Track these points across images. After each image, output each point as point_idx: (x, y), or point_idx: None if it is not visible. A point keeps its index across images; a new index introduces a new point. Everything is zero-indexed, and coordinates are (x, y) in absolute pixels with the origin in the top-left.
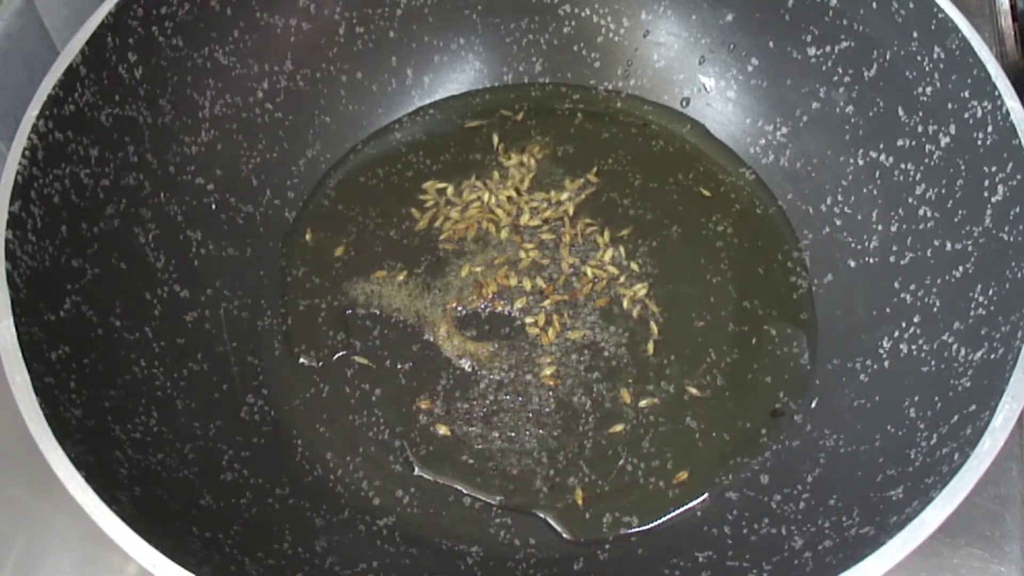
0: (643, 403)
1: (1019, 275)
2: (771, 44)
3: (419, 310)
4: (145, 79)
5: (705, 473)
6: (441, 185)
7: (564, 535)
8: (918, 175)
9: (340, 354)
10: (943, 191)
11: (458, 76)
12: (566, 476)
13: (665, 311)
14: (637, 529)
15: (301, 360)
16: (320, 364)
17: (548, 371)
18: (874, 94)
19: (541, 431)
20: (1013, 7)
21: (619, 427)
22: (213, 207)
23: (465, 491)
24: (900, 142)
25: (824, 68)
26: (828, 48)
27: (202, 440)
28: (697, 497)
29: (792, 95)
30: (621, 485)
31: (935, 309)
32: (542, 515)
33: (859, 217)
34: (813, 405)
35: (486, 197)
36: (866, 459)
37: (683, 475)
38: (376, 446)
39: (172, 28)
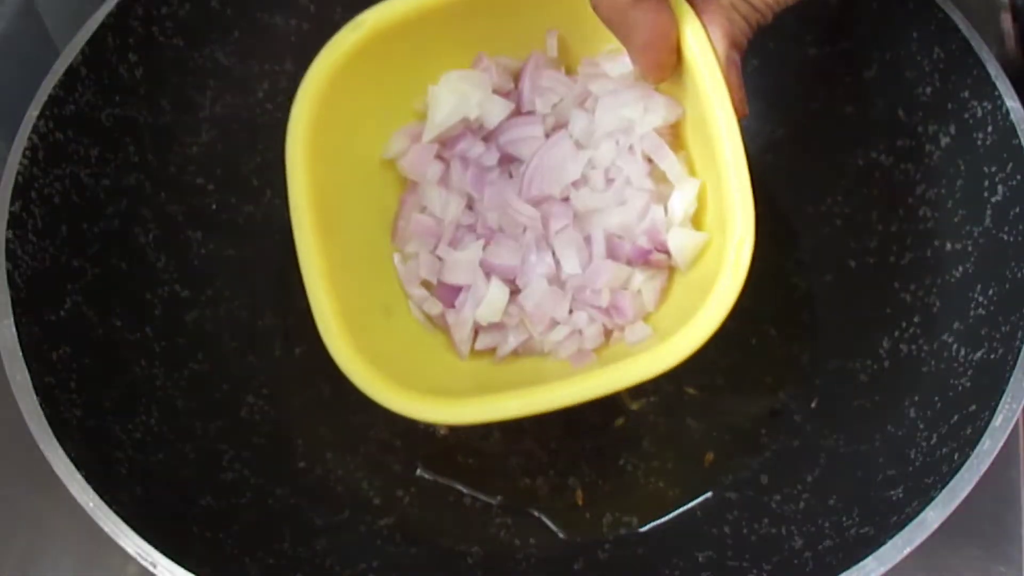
0: (643, 403)
1: (1019, 275)
2: (771, 45)
3: None
4: (145, 79)
5: (705, 473)
6: None
7: (564, 535)
8: (918, 175)
9: None
10: (943, 191)
11: None
12: (566, 476)
13: None
14: (637, 529)
15: (301, 360)
16: (320, 364)
17: None
18: (874, 94)
19: (541, 431)
20: (1013, 7)
21: (619, 427)
22: (213, 207)
23: (465, 491)
24: (900, 142)
25: (824, 68)
26: (828, 48)
27: (202, 440)
28: (697, 497)
29: (792, 95)
30: (621, 485)
31: (935, 309)
32: (542, 515)
33: (859, 217)
34: (813, 405)
35: None
36: (866, 459)
37: (710, 456)
38: (376, 446)
39: (172, 28)
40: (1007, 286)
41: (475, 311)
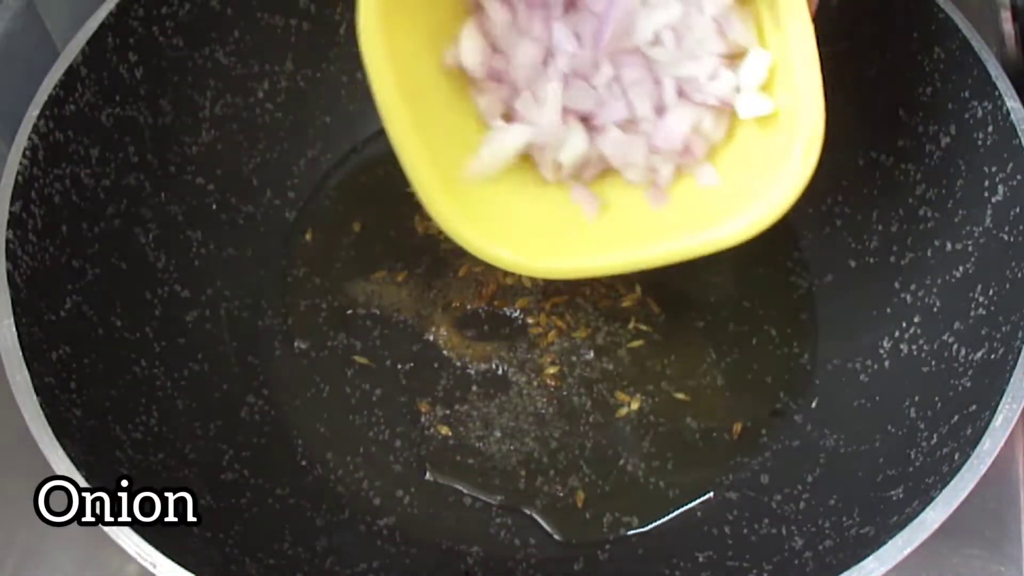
0: (643, 403)
1: (1019, 275)
2: None
3: (419, 310)
4: (145, 79)
5: (705, 473)
6: None
7: (563, 535)
8: (918, 175)
9: (340, 354)
10: (943, 191)
11: None
12: (566, 476)
13: (665, 311)
14: (637, 529)
15: (301, 360)
16: (320, 364)
17: (549, 371)
18: (874, 94)
19: (541, 431)
20: (1013, 7)
21: (619, 427)
22: (213, 207)
23: (465, 491)
24: (900, 142)
25: (824, 68)
26: (827, 48)
27: (202, 440)
28: (697, 497)
29: None
30: (621, 485)
31: (935, 309)
32: (541, 516)
33: (859, 217)
34: (813, 405)
35: None
36: (866, 459)
37: (738, 427)
38: (376, 446)
39: (172, 28)
40: (1007, 286)
41: (557, 153)
